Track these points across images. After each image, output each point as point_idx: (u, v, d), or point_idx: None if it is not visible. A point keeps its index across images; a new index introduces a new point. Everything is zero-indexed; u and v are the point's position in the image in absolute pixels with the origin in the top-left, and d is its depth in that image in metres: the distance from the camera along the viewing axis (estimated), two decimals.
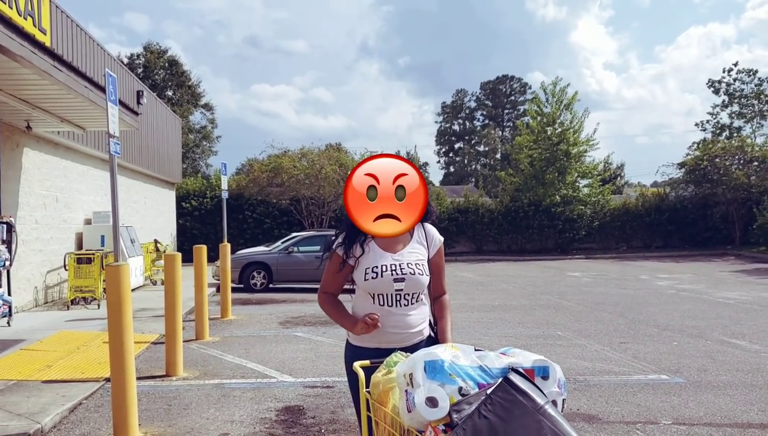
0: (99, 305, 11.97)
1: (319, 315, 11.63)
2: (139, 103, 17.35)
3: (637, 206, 30.08)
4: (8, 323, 9.78)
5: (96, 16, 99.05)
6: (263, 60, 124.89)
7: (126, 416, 4.97)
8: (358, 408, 2.76)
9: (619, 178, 45.08)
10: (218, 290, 13.29)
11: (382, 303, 2.77)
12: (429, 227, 2.94)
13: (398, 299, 2.76)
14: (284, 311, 12.16)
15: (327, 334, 9.58)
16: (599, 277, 18.63)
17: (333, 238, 2.93)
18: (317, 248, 16.17)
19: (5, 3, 9.03)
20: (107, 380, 6.50)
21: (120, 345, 4.99)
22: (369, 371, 2.54)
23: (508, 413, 2.02)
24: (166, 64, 43.99)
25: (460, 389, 2.12)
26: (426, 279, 2.81)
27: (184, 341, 7.44)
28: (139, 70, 41.01)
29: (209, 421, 5.48)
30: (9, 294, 10.18)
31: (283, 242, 16.95)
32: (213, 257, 15.37)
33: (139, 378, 5.85)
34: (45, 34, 10.66)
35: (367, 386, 2.50)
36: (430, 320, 2.97)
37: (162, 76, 43.89)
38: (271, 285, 15.89)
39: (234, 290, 13.03)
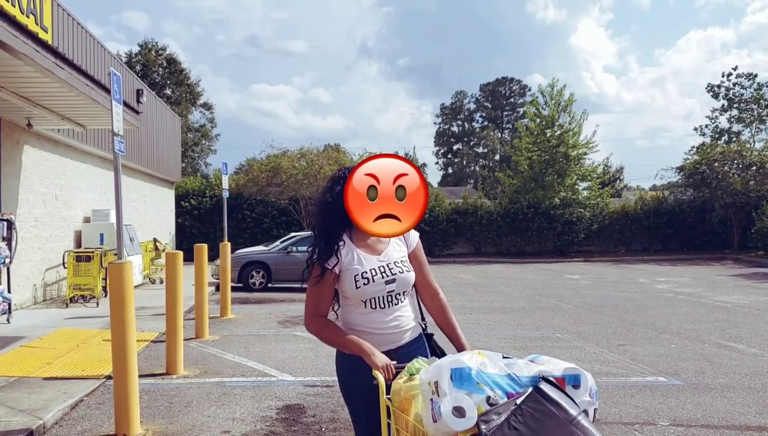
0: (98, 303, 11.99)
1: None
2: (139, 101, 17.37)
3: (635, 210, 30.15)
4: (8, 320, 9.80)
5: (94, 14, 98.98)
6: (262, 60, 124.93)
7: (128, 412, 5.00)
8: (356, 419, 2.77)
9: (618, 182, 45.15)
10: (217, 289, 13.31)
11: (374, 306, 2.72)
12: None
13: (390, 299, 2.73)
14: (283, 310, 12.19)
15: None
16: (598, 280, 18.67)
17: (309, 253, 2.77)
18: None
19: (8, 1, 9.05)
20: (108, 377, 6.53)
21: (123, 342, 5.01)
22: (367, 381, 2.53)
23: (540, 424, 1.95)
24: (165, 63, 43.97)
25: (488, 398, 2.03)
26: (412, 275, 2.79)
27: (184, 340, 7.46)
28: (138, 69, 40.98)
29: (210, 419, 5.51)
30: (9, 291, 10.19)
31: (282, 242, 16.99)
32: (211, 256, 15.39)
33: (139, 376, 5.86)
34: (47, 32, 10.67)
35: (387, 393, 2.41)
36: (420, 316, 2.92)
37: (161, 74, 43.86)
38: (269, 284, 15.93)
39: (233, 289, 13.05)
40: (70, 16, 12.47)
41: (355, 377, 2.66)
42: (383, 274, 2.70)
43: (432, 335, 2.89)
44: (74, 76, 8.85)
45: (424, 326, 2.90)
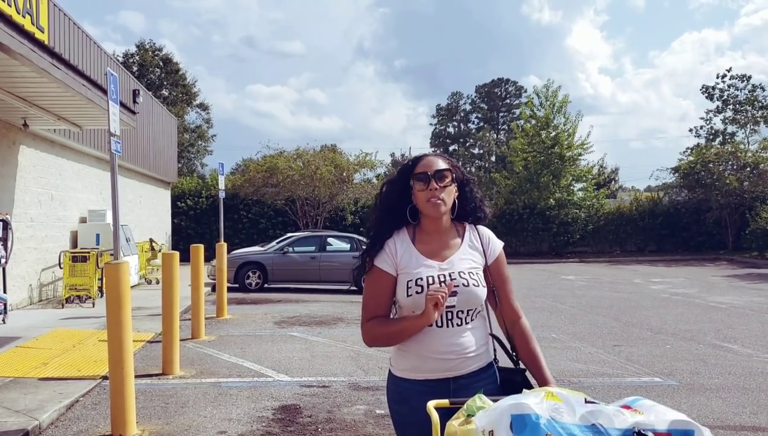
0: (94, 304, 11.96)
1: (315, 315, 11.66)
2: (135, 102, 17.35)
3: (631, 210, 30.24)
4: (3, 320, 9.78)
5: (91, 14, 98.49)
6: (259, 61, 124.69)
7: (124, 413, 5.00)
8: None
9: (613, 183, 45.27)
10: (213, 290, 13.31)
11: (429, 323, 2.28)
12: (483, 229, 2.49)
13: (449, 317, 2.29)
14: (280, 311, 12.19)
15: (322, 334, 9.62)
16: (593, 280, 18.72)
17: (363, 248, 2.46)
18: (312, 248, 16.29)
19: (4, 1, 9.04)
20: (104, 377, 6.53)
21: (119, 342, 5.01)
22: (444, 412, 2.02)
23: None
24: (161, 63, 43.90)
25: None
26: (483, 291, 2.34)
27: (180, 340, 7.45)
28: (134, 69, 40.91)
29: (207, 419, 5.51)
30: (4, 292, 10.17)
31: (278, 242, 16.98)
32: (207, 256, 15.38)
33: (135, 376, 5.86)
34: (43, 32, 10.67)
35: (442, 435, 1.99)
36: (500, 345, 2.47)
37: (157, 74, 43.79)
38: (266, 285, 15.92)
39: (229, 289, 13.04)
40: (66, 17, 12.46)
41: (406, 405, 2.31)
42: (442, 284, 2.27)
43: (524, 370, 2.40)
44: (70, 76, 8.85)
45: (515, 358, 2.42)
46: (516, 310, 2.45)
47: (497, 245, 2.47)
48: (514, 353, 2.41)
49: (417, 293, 2.28)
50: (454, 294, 2.27)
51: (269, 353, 8.27)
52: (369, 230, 2.48)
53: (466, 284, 2.30)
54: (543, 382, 2.28)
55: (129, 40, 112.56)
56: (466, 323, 2.32)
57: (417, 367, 2.32)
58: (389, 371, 2.46)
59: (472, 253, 2.40)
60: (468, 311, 2.32)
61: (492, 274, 2.41)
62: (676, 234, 29.65)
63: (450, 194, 2.36)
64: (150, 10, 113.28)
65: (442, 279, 2.28)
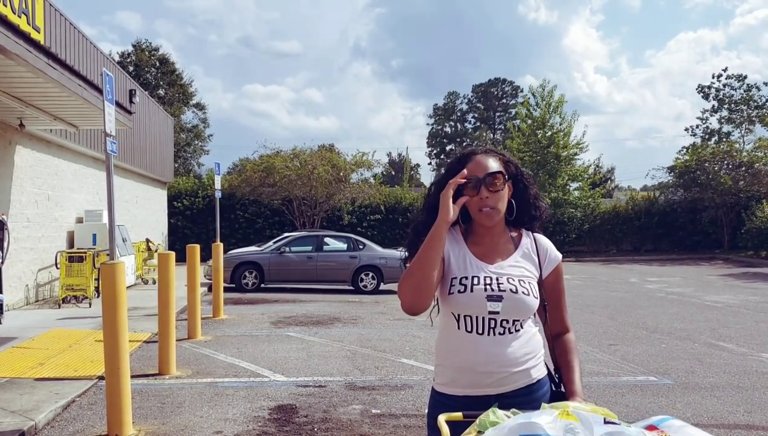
0: (90, 304, 11.96)
1: (311, 315, 11.68)
2: (131, 102, 17.34)
3: (627, 210, 30.32)
4: (0, 320, 9.78)
5: (87, 14, 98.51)
6: (256, 60, 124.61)
7: (120, 413, 5.01)
8: None
9: (609, 182, 45.37)
10: (210, 290, 13.31)
11: (469, 329, 2.12)
12: (541, 238, 2.35)
13: (492, 325, 2.11)
14: (276, 311, 12.20)
15: (319, 334, 9.63)
16: (589, 279, 18.76)
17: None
18: (309, 248, 16.29)
19: (0, 1, 9.03)
20: (100, 378, 6.53)
21: (115, 342, 5.02)
22: (461, 427, 1.82)
23: None
24: (157, 63, 43.85)
25: None
26: (533, 302, 2.15)
27: (176, 340, 7.45)
28: (131, 69, 40.86)
29: (203, 419, 5.52)
30: (1, 292, 10.15)
31: (275, 242, 16.98)
32: (204, 256, 15.37)
33: (132, 376, 5.86)
34: (39, 32, 10.65)
35: None
36: (546, 362, 2.26)
37: (153, 74, 43.74)
38: (262, 285, 15.92)
39: (225, 289, 13.05)
40: (62, 16, 12.43)
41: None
42: (487, 286, 2.12)
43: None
44: (67, 76, 8.84)
45: (557, 379, 2.26)
46: (566, 324, 2.30)
47: (555, 257, 2.30)
48: (556, 374, 2.25)
49: (459, 291, 2.13)
50: (498, 299, 2.11)
51: (265, 353, 8.28)
52: (414, 229, 2.26)
53: (514, 290, 2.12)
54: (569, 393, 2.15)
55: (125, 40, 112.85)
56: (511, 333, 2.13)
57: (455, 380, 2.16)
58: (432, 387, 2.28)
59: (525, 262, 2.23)
60: (513, 321, 2.13)
61: (547, 287, 2.25)
62: (672, 233, 29.73)
63: (503, 198, 2.17)
64: (146, 10, 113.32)
65: (488, 282, 2.13)
